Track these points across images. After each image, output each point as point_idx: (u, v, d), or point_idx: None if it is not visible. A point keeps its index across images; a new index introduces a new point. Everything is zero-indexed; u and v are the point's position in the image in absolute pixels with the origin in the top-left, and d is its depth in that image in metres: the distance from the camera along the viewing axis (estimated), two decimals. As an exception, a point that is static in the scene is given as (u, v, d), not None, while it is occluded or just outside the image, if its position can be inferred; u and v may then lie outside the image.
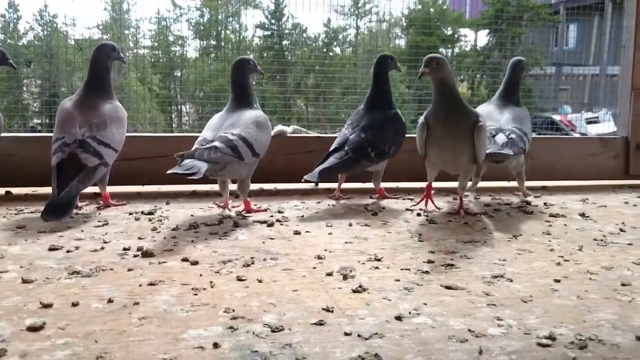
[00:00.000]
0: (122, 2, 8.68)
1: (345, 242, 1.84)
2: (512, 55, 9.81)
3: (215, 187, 2.36)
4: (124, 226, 2.01)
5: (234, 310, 1.25)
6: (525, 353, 1.07)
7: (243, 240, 1.85)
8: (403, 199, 2.55)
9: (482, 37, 11.52)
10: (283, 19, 10.76)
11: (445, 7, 11.75)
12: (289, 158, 2.79)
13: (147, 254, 1.65)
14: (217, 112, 2.35)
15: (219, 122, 2.23)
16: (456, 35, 11.57)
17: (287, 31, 10.84)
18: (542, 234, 1.98)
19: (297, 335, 1.13)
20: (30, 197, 2.44)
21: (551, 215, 2.27)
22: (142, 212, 2.20)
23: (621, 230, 2.05)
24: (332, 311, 1.25)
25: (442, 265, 1.60)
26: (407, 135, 2.55)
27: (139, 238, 1.85)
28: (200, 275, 1.49)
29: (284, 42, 10.77)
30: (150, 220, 2.10)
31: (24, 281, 1.42)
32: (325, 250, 1.74)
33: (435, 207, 2.35)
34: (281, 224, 2.08)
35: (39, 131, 6.67)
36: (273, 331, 1.15)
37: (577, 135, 7.64)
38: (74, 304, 1.28)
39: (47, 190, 2.14)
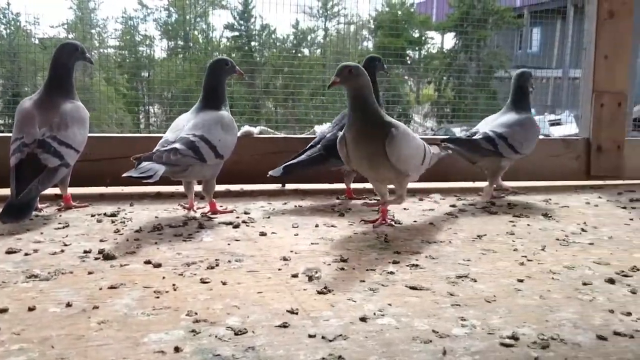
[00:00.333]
0: (88, 1, 8.54)
1: (312, 243, 1.83)
2: (477, 58, 9.97)
3: (181, 188, 2.33)
4: (86, 228, 1.96)
5: (196, 314, 1.23)
6: (488, 353, 1.07)
7: (208, 242, 1.82)
8: (370, 200, 2.55)
9: (449, 40, 11.65)
10: (251, 20, 10.71)
11: (412, 9, 11.84)
12: (256, 159, 2.77)
13: (108, 256, 1.62)
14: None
15: (183, 123, 2.20)
16: (423, 38, 11.67)
17: (255, 32, 10.79)
18: (506, 234, 2.01)
19: (260, 338, 1.12)
20: (-12, 199, 2.37)
21: (515, 216, 2.29)
22: (105, 214, 2.16)
23: (583, 230, 2.09)
24: (297, 313, 1.24)
25: (408, 266, 1.60)
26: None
27: (101, 240, 1.81)
28: (163, 277, 1.46)
29: (253, 43, 10.72)
30: (112, 222, 2.06)
31: (-21, 286, 1.37)
32: (291, 251, 1.73)
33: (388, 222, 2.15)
34: (247, 225, 2.06)
35: (1, 132, 6.50)
36: (236, 334, 1.13)
37: (541, 137, 7.76)
38: (31, 309, 1.24)
39: (6, 191, 2.08)
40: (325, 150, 2.40)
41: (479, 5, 10.93)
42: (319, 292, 1.37)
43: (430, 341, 1.12)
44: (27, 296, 1.32)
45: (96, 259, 1.61)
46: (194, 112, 2.24)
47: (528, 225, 2.15)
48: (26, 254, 1.64)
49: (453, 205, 2.49)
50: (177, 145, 2.02)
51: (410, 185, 2.67)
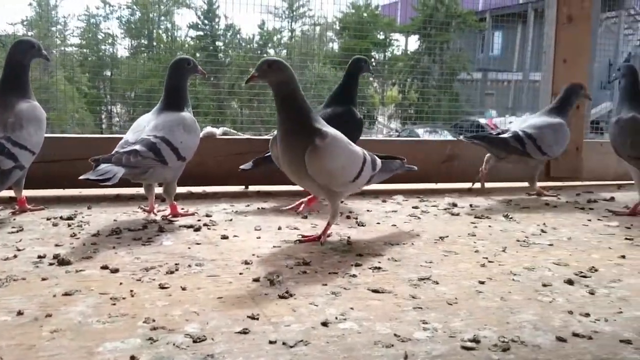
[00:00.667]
0: (49, -2, 8.36)
1: (274, 247, 1.81)
2: (440, 60, 10.09)
3: (141, 190, 2.28)
4: (41, 232, 1.90)
5: (154, 320, 1.19)
6: (449, 357, 1.07)
7: (168, 246, 1.79)
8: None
9: (413, 42, 11.77)
10: (216, 20, 10.63)
11: (377, 12, 11.91)
12: (219, 161, 2.74)
13: (63, 261, 1.57)
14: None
15: (144, 124, 2.15)
16: (388, 40, 11.76)
17: (220, 32, 10.71)
18: (467, 235, 2.02)
19: (219, 345, 1.09)
20: (-62, 202, 2.28)
21: (476, 217, 2.31)
22: (61, 217, 2.10)
23: (542, 231, 2.11)
24: (258, 318, 1.22)
25: (370, 269, 1.59)
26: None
27: (56, 245, 1.76)
28: (120, 283, 1.42)
29: (218, 43, 10.64)
30: (69, 225, 2.00)
31: None
32: (253, 255, 1.71)
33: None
34: (208, 229, 2.03)
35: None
36: (195, 341, 1.10)
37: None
38: (-21, 318, 1.19)
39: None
40: None
41: (442, 9, 11.07)
42: (281, 297, 1.35)
43: (392, 345, 1.11)
44: (-24, 304, 1.27)
45: (51, 264, 1.56)
46: (155, 113, 2.20)
47: (489, 226, 2.17)
48: (-24, 260, 1.58)
49: (416, 207, 2.50)
50: (137, 147, 1.98)
51: (374, 186, 2.68)
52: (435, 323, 1.22)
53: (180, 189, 2.44)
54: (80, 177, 1.79)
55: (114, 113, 8.94)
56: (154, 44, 9.88)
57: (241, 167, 2.43)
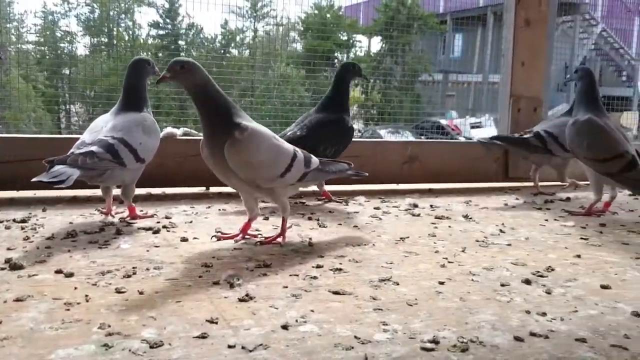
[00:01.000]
0: (5, -7, 8.12)
1: (234, 249, 1.79)
2: (402, 62, 10.18)
3: (98, 192, 2.23)
4: (-8, 236, 1.84)
5: (109, 326, 1.16)
6: (409, 358, 1.07)
7: (125, 249, 1.75)
8: (331, 202, 2.54)
9: (375, 44, 11.84)
10: (178, 19, 10.51)
11: (340, 13, 11.95)
12: (179, 162, 2.70)
13: (15, 266, 1.52)
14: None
15: (101, 124, 2.10)
16: (351, 41, 11.81)
17: (182, 31, 10.60)
18: (428, 236, 2.03)
19: (177, 351, 1.07)
20: None
21: (437, 218, 2.33)
22: (14, 220, 2.04)
23: (501, 231, 2.15)
24: (217, 322, 1.20)
25: (331, 270, 1.59)
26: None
27: (8, 249, 1.70)
28: (75, 288, 1.39)
29: (180, 42, 10.52)
30: (22, 228, 1.94)
31: None
32: (213, 257, 1.68)
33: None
34: (168, 231, 1.99)
35: None
36: (152, 347, 1.08)
37: (463, 139, 8.02)
38: None
39: None
40: (303, 147, 2.45)
41: (404, 11, 11.17)
42: (240, 300, 1.34)
43: (352, 347, 1.10)
44: None
45: (2, 269, 1.51)
46: (113, 114, 2.15)
47: (449, 227, 2.19)
48: None
49: (377, 208, 2.51)
50: (93, 148, 1.94)
51: (335, 187, 2.69)
52: (396, 324, 1.22)
53: (139, 191, 2.39)
54: (33, 179, 1.74)
55: (72, 112, 8.75)
56: (114, 42, 9.70)
57: None
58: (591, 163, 2.49)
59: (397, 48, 10.12)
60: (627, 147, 2.43)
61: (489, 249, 1.89)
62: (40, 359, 1.02)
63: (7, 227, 1.95)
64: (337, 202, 2.62)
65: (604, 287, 1.51)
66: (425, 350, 1.11)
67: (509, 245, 1.95)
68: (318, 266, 1.62)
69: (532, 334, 1.20)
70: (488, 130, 9.05)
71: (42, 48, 9.05)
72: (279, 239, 1.88)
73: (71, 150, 1.93)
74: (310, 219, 2.25)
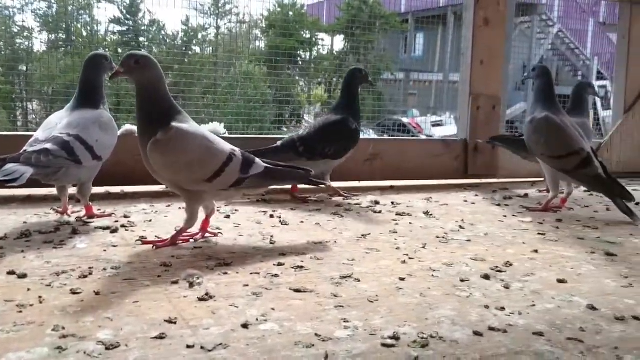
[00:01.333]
0: (-43, -13, 7.87)
1: (194, 247, 1.77)
2: (365, 60, 10.23)
3: (54, 190, 2.17)
4: (-60, 237, 1.78)
5: (64, 328, 1.13)
6: (370, 355, 1.07)
7: (82, 249, 1.71)
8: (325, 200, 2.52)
9: (338, 42, 11.86)
10: (139, 15, 10.34)
11: (303, 11, 11.93)
12: (138, 160, 2.63)
13: (-35, 268, 1.47)
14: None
15: (56, 121, 2.05)
16: (314, 39, 11.81)
17: (143, 27, 10.43)
18: (389, 232, 2.04)
19: (134, 352, 1.05)
20: None
21: (398, 214, 2.35)
22: (-36, 221, 1.97)
23: (461, 227, 2.17)
24: (175, 322, 1.18)
25: (292, 268, 1.58)
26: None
27: (-42, 250, 1.64)
28: (28, 289, 1.34)
29: (141, 39, 10.35)
30: (-27, 229, 1.88)
31: None
32: (172, 256, 1.66)
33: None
34: (126, 230, 1.95)
35: None
36: (107, 349, 1.05)
37: (424, 137, 8.10)
38: None
39: None
40: (282, 145, 2.60)
41: (366, 10, 11.22)
42: (200, 299, 1.32)
43: (313, 345, 1.10)
44: None
45: (-50, 271, 1.46)
46: (68, 110, 2.10)
47: (410, 223, 2.21)
48: None
49: (339, 205, 2.51)
50: (48, 146, 1.88)
51: (298, 185, 2.67)
52: (356, 321, 1.22)
53: (97, 189, 2.34)
54: None
55: (29, 110, 8.52)
56: (73, 38, 9.48)
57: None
58: (548, 160, 2.54)
59: (360, 47, 10.16)
60: (582, 145, 2.48)
61: (449, 245, 1.90)
62: (-10, 364, 0.99)
63: (-43, 228, 1.88)
64: (344, 196, 2.70)
65: (560, 281, 1.55)
66: (386, 346, 1.11)
67: (468, 241, 1.97)
68: (279, 264, 1.61)
69: (491, 329, 1.21)
70: (449, 128, 9.17)
71: (-2, 44, 8.79)
72: (163, 243, 1.77)
73: (24, 148, 1.88)
74: (272, 216, 2.23)
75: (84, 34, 9.79)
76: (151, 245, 1.75)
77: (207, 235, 1.89)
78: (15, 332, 1.12)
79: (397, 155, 3.09)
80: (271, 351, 1.07)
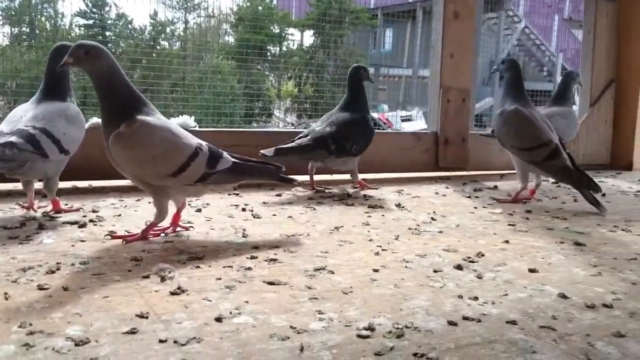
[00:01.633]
0: None
1: (166, 242, 1.74)
2: (335, 55, 10.23)
3: (19, 185, 2.12)
4: None
5: (31, 325, 1.09)
6: (345, 346, 1.07)
7: (49, 244, 1.66)
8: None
9: (308, 37, 11.83)
10: (106, 9, 10.17)
11: (272, 5, 11.87)
12: (106, 153, 2.59)
13: None
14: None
15: (21, 113, 1.99)
16: (284, 34, 11.76)
17: (110, 21, 10.26)
18: (362, 224, 2.04)
19: (105, 348, 1.02)
20: None
21: (370, 207, 2.35)
22: None
23: (432, 219, 2.18)
24: (147, 317, 1.15)
25: (266, 261, 1.57)
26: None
27: None
28: (-7, 286, 1.30)
29: (107, 33, 10.18)
30: None
31: None
32: (143, 250, 1.63)
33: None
34: (95, 225, 1.91)
35: None
36: (77, 345, 1.02)
37: (393, 131, 8.13)
38: None
39: None
40: (314, 141, 2.62)
41: (336, 5, 11.21)
42: (172, 293, 1.29)
43: (288, 338, 1.09)
44: None
45: None
46: (34, 103, 2.05)
47: (382, 215, 2.21)
48: None
49: (311, 198, 2.50)
50: (13, 139, 1.83)
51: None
52: (331, 313, 1.21)
53: (64, 184, 2.29)
54: None
55: (-8, 105, 8.31)
56: (37, 32, 9.26)
57: (262, 152, 2.47)
58: (517, 152, 2.57)
59: (330, 42, 10.15)
60: (551, 137, 2.52)
61: (421, 237, 1.91)
62: (-46, 362, 0.96)
63: None
64: (371, 189, 2.79)
65: (531, 270, 1.56)
66: (361, 337, 1.10)
67: (440, 232, 1.98)
68: (252, 257, 1.59)
69: (465, 318, 1.21)
70: (418, 123, 9.24)
71: (-42, 38, 8.56)
72: (133, 238, 1.73)
73: (-12, 142, 1.82)
74: (244, 210, 2.21)
75: (48, 27, 9.59)
76: (121, 240, 1.72)
77: (178, 229, 1.86)
78: (-21, 329, 1.08)
79: (369, 148, 3.08)
80: (245, 344, 1.06)
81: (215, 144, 1.86)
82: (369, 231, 1.95)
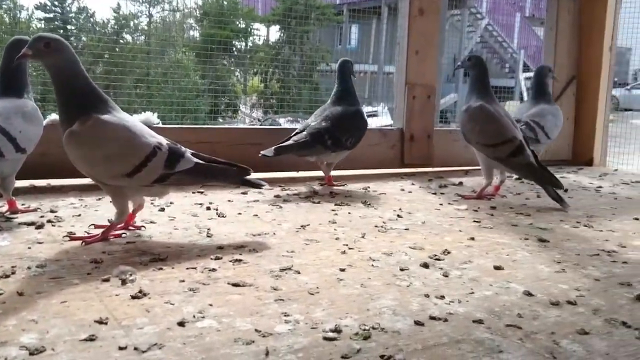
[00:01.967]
0: None
1: (127, 242, 1.69)
2: (301, 51, 10.20)
3: (-28, 185, 2.03)
4: None
5: (-17, 333, 1.05)
6: (311, 349, 1.05)
7: (3, 247, 1.60)
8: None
9: (274, 33, 11.78)
10: (67, 2, 9.94)
11: (238, 0, 11.77)
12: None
13: None
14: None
15: (-25, 111, 1.92)
16: (249, 29, 11.66)
17: (71, 15, 10.04)
18: (328, 222, 2.03)
19: (61, 356, 0.98)
20: None
21: (336, 204, 2.34)
22: None
23: (398, 216, 2.18)
24: (107, 323, 1.12)
25: (230, 262, 1.54)
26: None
27: None
28: (-57, 292, 1.25)
29: (69, 27, 9.95)
30: None
31: None
32: (104, 252, 1.58)
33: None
34: (53, 225, 1.85)
35: None
36: (32, 354, 0.98)
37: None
38: None
39: None
40: (311, 137, 2.61)
41: (302, 1, 11.17)
42: (133, 297, 1.25)
43: (253, 342, 1.06)
44: None
45: None
46: (-12, 99, 1.97)
47: (349, 213, 2.20)
48: None
49: (277, 196, 2.47)
50: (-35, 137, 1.76)
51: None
52: (297, 315, 1.19)
53: (21, 183, 2.22)
54: None
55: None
56: (-5, 25, 8.99)
57: (262, 152, 2.45)
58: (482, 148, 2.59)
59: (296, 38, 10.11)
60: (515, 133, 2.54)
61: (387, 234, 1.90)
62: None
63: None
64: (338, 186, 2.79)
65: (497, 267, 1.57)
66: (328, 339, 1.09)
67: (406, 229, 1.98)
68: (217, 258, 1.56)
69: (432, 318, 1.21)
70: (383, 119, 9.27)
71: None
72: (93, 239, 1.68)
73: (-63, 140, 1.74)
74: (208, 209, 2.17)
75: (7, 20, 9.32)
76: (80, 241, 1.67)
77: (131, 229, 1.81)
78: None
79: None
80: (209, 349, 1.03)
81: (179, 141, 1.82)
82: (335, 229, 1.94)
